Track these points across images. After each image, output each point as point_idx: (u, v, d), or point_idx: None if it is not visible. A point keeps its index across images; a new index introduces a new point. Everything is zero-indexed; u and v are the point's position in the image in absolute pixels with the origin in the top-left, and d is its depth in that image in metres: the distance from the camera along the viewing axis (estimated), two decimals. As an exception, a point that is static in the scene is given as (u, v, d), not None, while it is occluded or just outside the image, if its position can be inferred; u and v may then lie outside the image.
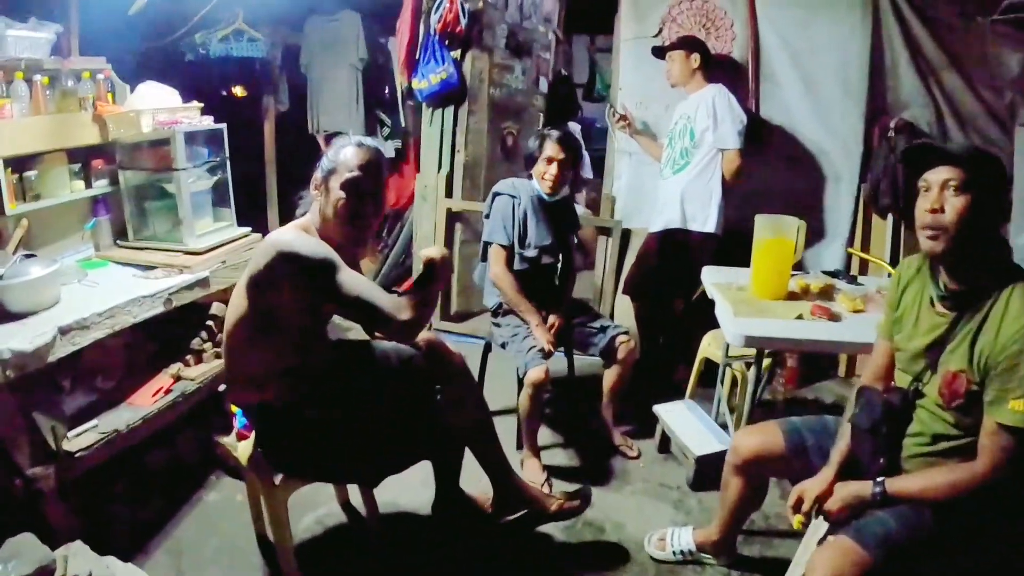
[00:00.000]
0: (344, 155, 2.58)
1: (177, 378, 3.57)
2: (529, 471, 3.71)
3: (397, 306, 2.44)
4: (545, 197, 3.94)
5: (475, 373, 3.32)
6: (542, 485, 3.64)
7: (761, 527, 3.38)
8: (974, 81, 4.75)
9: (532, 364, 3.58)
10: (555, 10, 6.58)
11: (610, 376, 3.98)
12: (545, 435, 4.10)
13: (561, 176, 3.90)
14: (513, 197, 3.96)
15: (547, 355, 3.67)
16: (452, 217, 5.65)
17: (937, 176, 2.20)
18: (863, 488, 2.30)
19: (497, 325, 4.00)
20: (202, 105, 3.99)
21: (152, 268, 3.55)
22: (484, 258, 4.06)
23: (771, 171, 4.85)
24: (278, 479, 2.75)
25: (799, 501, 2.42)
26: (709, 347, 4.20)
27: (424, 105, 5.60)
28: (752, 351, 3.45)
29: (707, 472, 3.63)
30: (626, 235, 5.26)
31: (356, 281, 2.44)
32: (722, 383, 4.10)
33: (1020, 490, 2.20)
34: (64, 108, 3.55)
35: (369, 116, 6.56)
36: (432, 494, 3.10)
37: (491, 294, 4.04)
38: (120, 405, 3.32)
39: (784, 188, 4.90)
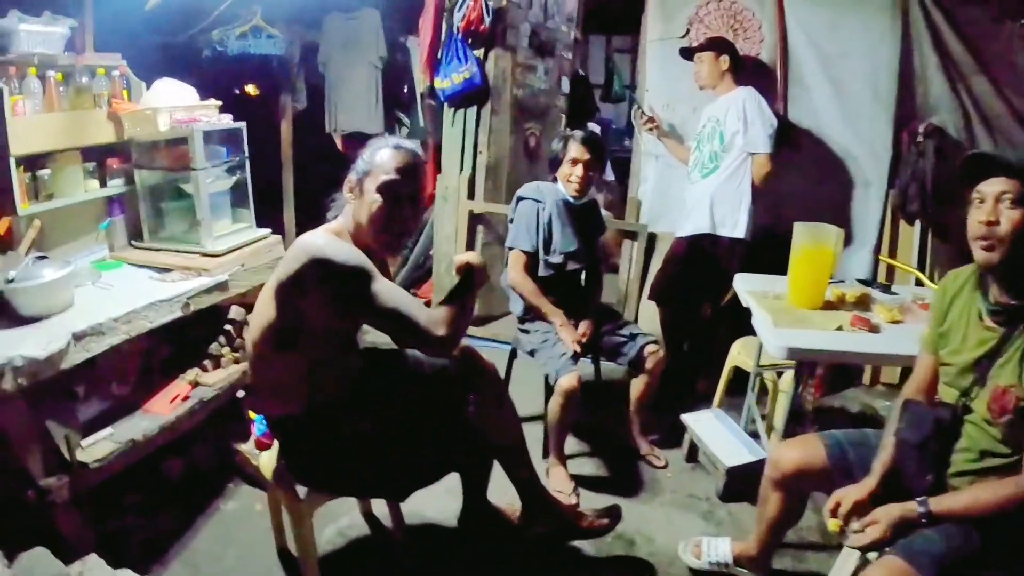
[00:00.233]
0: (380, 157, 2.46)
1: (195, 384, 3.46)
2: (556, 480, 3.63)
3: (433, 320, 2.33)
4: (571, 200, 3.86)
5: (499, 379, 3.26)
6: (570, 495, 3.57)
7: (792, 540, 3.27)
8: (1002, 85, 4.68)
9: (563, 372, 3.50)
10: (576, 9, 6.50)
11: (638, 385, 3.90)
12: (570, 443, 4.02)
13: (587, 178, 3.81)
14: (538, 202, 3.87)
15: (575, 357, 3.61)
16: (474, 219, 5.59)
17: (992, 188, 2.17)
18: (908, 509, 2.21)
19: (525, 332, 3.92)
20: (220, 103, 3.90)
21: (169, 270, 3.47)
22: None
23: (798, 176, 4.76)
24: (303, 493, 2.65)
25: (837, 505, 2.36)
26: (739, 355, 4.14)
27: (446, 105, 5.52)
28: (784, 360, 3.35)
29: (737, 483, 3.61)
30: (652, 239, 5.21)
31: (392, 293, 2.34)
32: (753, 392, 4.01)
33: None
34: (78, 105, 3.47)
35: (388, 115, 6.48)
36: (458, 504, 3.01)
37: (517, 300, 3.95)
38: (136, 412, 3.22)
39: (811, 193, 4.82)
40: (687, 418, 4.01)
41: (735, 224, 4.33)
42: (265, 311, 2.42)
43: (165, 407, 3.27)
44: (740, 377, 4.14)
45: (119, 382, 3.33)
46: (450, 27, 5.24)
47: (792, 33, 4.79)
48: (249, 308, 3.68)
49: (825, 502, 2.42)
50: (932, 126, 4.63)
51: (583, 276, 4.09)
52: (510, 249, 3.91)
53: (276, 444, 2.77)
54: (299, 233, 5.80)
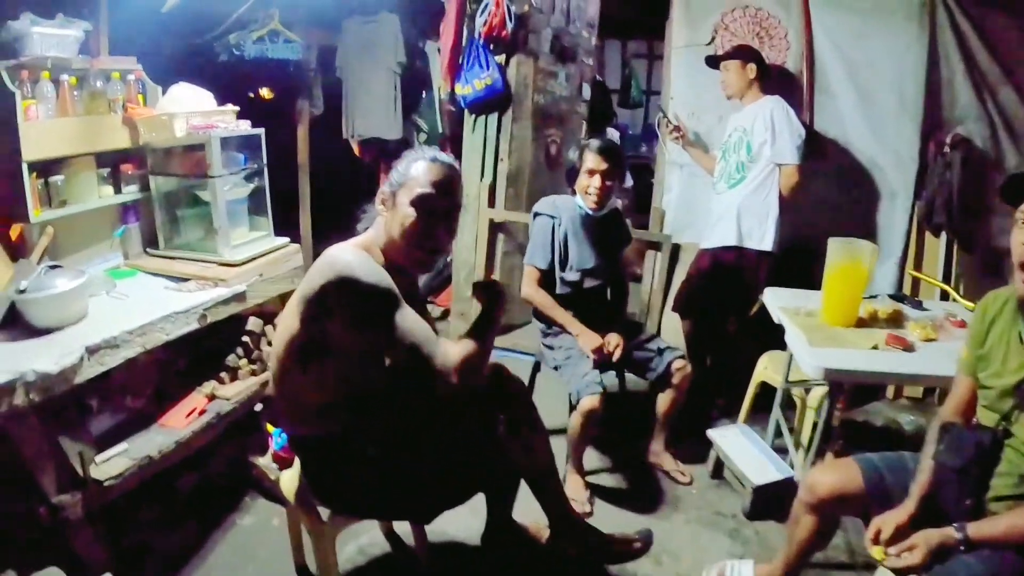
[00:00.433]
0: (416, 170, 2.37)
1: (212, 397, 3.39)
2: (571, 488, 3.59)
3: (449, 361, 2.25)
4: (590, 212, 3.78)
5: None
6: (584, 503, 3.55)
7: (818, 559, 3.15)
8: (1029, 95, 4.63)
9: (585, 392, 3.44)
10: (597, 15, 6.43)
11: (664, 400, 3.83)
12: (593, 457, 4.01)
13: (605, 188, 3.73)
14: (553, 218, 3.81)
15: (598, 367, 3.57)
16: (495, 228, 5.53)
17: None
18: (946, 535, 2.18)
19: (549, 347, 3.86)
20: (238, 109, 3.82)
21: (185, 280, 3.40)
22: None
23: (824, 186, 4.71)
24: (324, 514, 2.58)
25: (878, 533, 2.31)
26: (766, 370, 4.07)
27: (467, 111, 5.47)
28: (819, 379, 3.27)
29: (765, 501, 3.56)
30: (676, 250, 5.15)
31: (412, 325, 2.25)
32: (780, 408, 3.93)
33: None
34: (92, 110, 3.40)
35: (406, 122, 6.41)
36: (482, 522, 2.97)
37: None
38: (151, 427, 3.15)
39: (837, 204, 4.79)
40: (713, 434, 3.94)
41: (762, 236, 4.26)
42: (290, 324, 2.35)
43: (181, 421, 3.20)
44: (765, 392, 4.09)
45: (134, 395, 3.26)
46: (472, 32, 5.19)
47: (818, 40, 4.74)
48: (267, 318, 3.63)
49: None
50: (959, 136, 4.58)
51: (607, 291, 4.02)
52: (526, 265, 3.87)
53: (297, 462, 2.68)
54: (315, 241, 5.76)
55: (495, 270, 5.61)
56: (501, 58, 5.25)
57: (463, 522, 3.24)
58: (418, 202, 2.33)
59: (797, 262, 4.21)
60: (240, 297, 3.40)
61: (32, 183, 3.04)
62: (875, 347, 3.12)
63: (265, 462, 3.47)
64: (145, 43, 4.00)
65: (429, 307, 4.08)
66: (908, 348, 3.13)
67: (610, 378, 3.82)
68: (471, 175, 5.50)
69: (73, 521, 2.63)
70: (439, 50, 5.69)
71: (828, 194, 4.74)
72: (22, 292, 2.72)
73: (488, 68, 5.12)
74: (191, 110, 3.57)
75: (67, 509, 2.61)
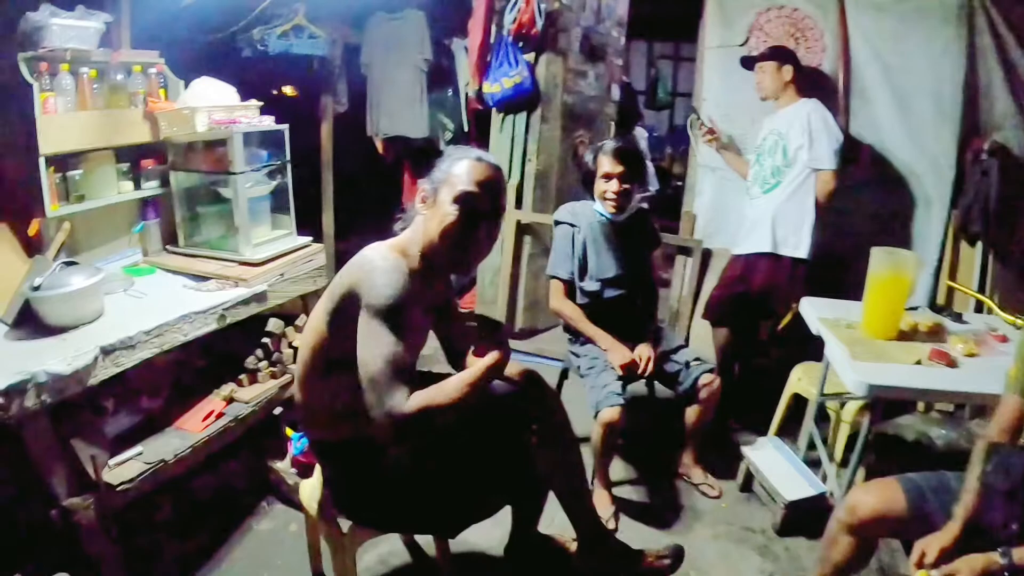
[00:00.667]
0: (459, 168, 2.29)
1: (229, 400, 3.32)
2: (597, 502, 3.45)
3: (400, 407, 2.02)
4: (611, 218, 3.69)
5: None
6: (608, 519, 3.45)
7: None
8: (1066, 102, 4.53)
9: (605, 404, 3.37)
10: (626, 14, 6.34)
11: (691, 415, 3.72)
12: (620, 469, 3.94)
13: (623, 192, 3.63)
14: (572, 226, 3.74)
15: (623, 381, 3.48)
16: (522, 229, 5.47)
17: None
18: (991, 561, 2.11)
19: (576, 355, 3.78)
20: (261, 104, 3.75)
21: (204, 279, 3.33)
22: None
23: (857, 192, 4.62)
24: (345, 525, 2.51)
25: (922, 556, 2.24)
26: (800, 382, 3.96)
27: (495, 110, 5.42)
28: (863, 395, 3.17)
29: (797, 517, 3.45)
30: (706, 255, 5.07)
31: (389, 345, 2.07)
32: (814, 421, 3.82)
33: None
34: (112, 104, 3.36)
35: (431, 119, 6.33)
36: (506, 532, 2.91)
37: None
38: (167, 430, 3.09)
39: (872, 211, 4.71)
40: (746, 448, 3.85)
41: (798, 243, 4.17)
42: (317, 328, 2.29)
43: (197, 424, 3.13)
44: (796, 403, 3.99)
45: (149, 396, 3.21)
46: (500, 29, 5.15)
47: (855, 43, 4.65)
48: (288, 319, 3.55)
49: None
50: (997, 144, 4.47)
51: (635, 300, 3.90)
52: (550, 277, 3.80)
53: (318, 470, 2.62)
54: (338, 239, 5.68)
55: (521, 273, 5.54)
56: (530, 56, 5.20)
57: (486, 532, 3.12)
58: (461, 200, 2.24)
59: (828, 271, 4.11)
60: (260, 297, 3.32)
61: (49, 177, 3.01)
62: (918, 362, 3.01)
63: (284, 466, 3.40)
64: (167, 36, 3.94)
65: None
66: (951, 364, 3.02)
67: (639, 385, 3.75)
68: (499, 175, 5.43)
69: (85, 525, 2.57)
70: (466, 48, 5.64)
71: (861, 201, 4.66)
72: (36, 289, 2.66)
73: (517, 66, 5.06)
74: (213, 105, 3.50)
75: (79, 513, 2.55)
